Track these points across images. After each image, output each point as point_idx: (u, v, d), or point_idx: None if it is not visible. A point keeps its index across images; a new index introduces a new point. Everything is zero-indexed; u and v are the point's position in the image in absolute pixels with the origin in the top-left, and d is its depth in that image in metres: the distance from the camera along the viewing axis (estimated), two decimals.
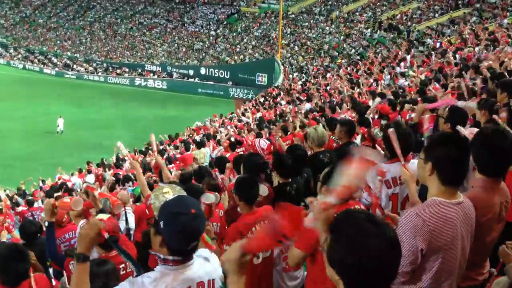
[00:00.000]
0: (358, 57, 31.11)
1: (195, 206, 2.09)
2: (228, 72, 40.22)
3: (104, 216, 3.75)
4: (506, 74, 7.46)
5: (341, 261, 1.52)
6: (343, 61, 31.17)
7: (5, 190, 14.56)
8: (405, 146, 3.66)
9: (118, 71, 47.44)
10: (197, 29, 51.68)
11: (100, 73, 48.04)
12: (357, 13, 39.67)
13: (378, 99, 8.52)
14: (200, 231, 2.09)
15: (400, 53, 23.35)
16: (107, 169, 15.14)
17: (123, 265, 3.64)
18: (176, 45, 50.42)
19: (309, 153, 5.09)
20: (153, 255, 2.15)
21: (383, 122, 6.82)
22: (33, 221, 5.81)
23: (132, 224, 4.93)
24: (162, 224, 2.03)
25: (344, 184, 1.84)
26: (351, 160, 1.86)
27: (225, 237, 3.62)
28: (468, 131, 3.52)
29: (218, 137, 14.87)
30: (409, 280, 2.35)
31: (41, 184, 15.56)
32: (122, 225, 4.75)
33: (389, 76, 17.13)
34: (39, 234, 5.14)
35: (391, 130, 3.33)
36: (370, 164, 1.88)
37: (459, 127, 3.76)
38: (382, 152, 3.87)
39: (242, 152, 8.66)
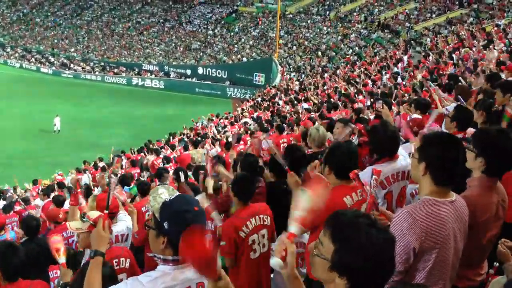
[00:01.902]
0: (356, 57, 31.14)
1: (196, 204, 2.09)
2: (226, 72, 40.21)
3: (94, 215, 3.74)
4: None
5: (350, 266, 1.59)
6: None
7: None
8: (392, 146, 3.70)
9: (115, 70, 47.37)
10: (194, 29, 51.64)
11: (97, 72, 47.96)
12: (355, 13, 39.74)
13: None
14: (205, 228, 2.10)
15: (397, 53, 23.38)
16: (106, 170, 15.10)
17: (116, 259, 3.63)
18: (173, 44, 50.37)
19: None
20: (150, 257, 2.14)
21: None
22: (34, 216, 6.06)
23: (131, 226, 4.91)
24: (167, 224, 2.01)
25: (307, 209, 1.84)
26: (307, 184, 1.86)
27: (221, 233, 3.65)
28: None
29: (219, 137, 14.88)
30: (403, 279, 2.34)
31: (28, 186, 15.33)
32: (122, 226, 4.73)
33: (386, 76, 17.16)
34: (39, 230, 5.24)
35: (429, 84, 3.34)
36: (324, 184, 1.88)
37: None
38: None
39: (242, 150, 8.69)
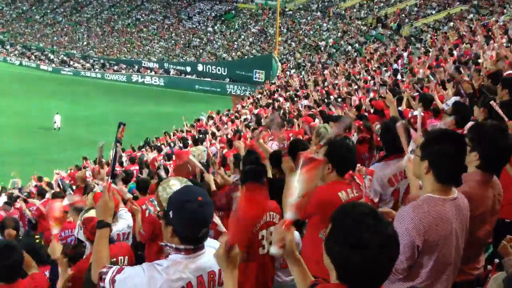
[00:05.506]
0: (356, 54, 31.05)
1: (202, 194, 2.13)
2: (225, 69, 40.20)
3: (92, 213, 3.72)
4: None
5: (336, 251, 1.53)
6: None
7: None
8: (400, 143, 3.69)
9: (115, 67, 47.34)
10: (194, 26, 51.59)
11: (97, 70, 47.92)
12: (355, 10, 39.67)
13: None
14: (209, 218, 2.14)
15: (397, 49, 23.32)
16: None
17: (114, 259, 3.61)
18: (173, 41, 50.32)
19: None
20: (151, 253, 2.16)
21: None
22: (15, 219, 5.81)
23: (131, 224, 4.89)
24: (172, 213, 2.08)
25: (300, 195, 1.82)
26: (298, 168, 1.83)
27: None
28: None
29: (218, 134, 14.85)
30: (406, 276, 2.35)
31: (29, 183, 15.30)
32: (123, 224, 4.71)
33: (387, 73, 17.13)
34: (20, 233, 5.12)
35: (399, 124, 3.33)
36: (317, 164, 1.86)
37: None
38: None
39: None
